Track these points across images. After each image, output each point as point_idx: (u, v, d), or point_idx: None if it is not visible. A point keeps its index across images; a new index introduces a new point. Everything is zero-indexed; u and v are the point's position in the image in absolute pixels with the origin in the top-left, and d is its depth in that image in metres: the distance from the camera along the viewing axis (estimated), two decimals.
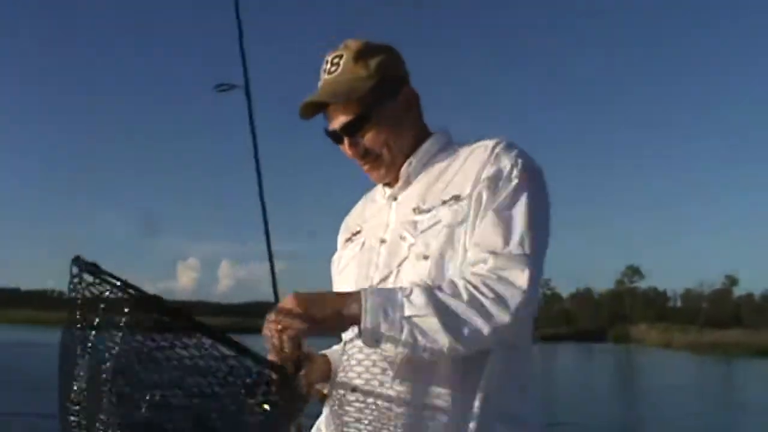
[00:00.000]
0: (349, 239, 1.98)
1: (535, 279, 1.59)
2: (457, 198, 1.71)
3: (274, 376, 1.35)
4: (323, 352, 1.90)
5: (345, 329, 1.62)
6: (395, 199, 1.86)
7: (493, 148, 1.74)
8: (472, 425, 1.64)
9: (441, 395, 1.65)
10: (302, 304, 1.50)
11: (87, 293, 1.31)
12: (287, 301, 1.52)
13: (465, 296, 1.53)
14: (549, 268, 1.87)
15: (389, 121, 1.81)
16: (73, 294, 1.33)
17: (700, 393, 26.80)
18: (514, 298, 1.55)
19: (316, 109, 1.83)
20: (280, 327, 1.47)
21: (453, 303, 1.53)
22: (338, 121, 1.80)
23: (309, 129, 1.88)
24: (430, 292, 1.54)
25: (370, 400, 1.65)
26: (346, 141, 1.82)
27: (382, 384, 1.66)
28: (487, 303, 1.53)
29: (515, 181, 1.68)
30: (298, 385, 1.40)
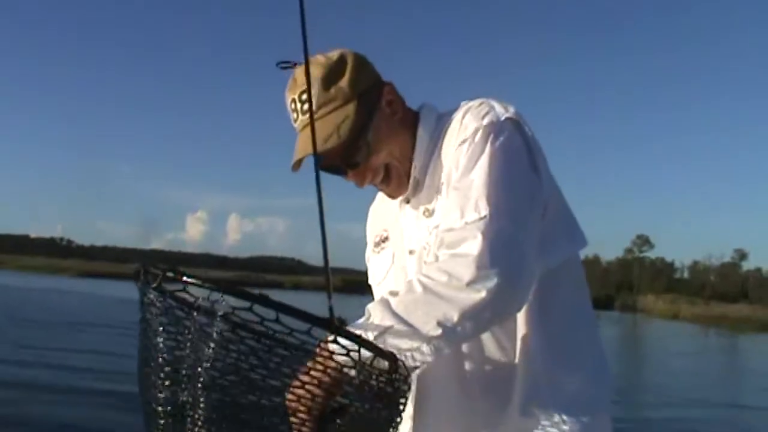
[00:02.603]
0: (377, 244, 1.89)
1: (496, 237, 1.40)
2: (439, 191, 1.63)
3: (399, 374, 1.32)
4: None
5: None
6: (408, 201, 1.76)
7: (462, 118, 1.61)
8: (515, 401, 1.58)
9: (477, 371, 1.61)
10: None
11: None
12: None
13: (419, 289, 1.39)
14: None
15: (383, 133, 1.69)
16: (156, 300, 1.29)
17: (706, 363, 26.97)
18: (468, 270, 1.36)
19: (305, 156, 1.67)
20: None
21: (409, 301, 1.39)
22: (334, 159, 1.67)
23: None
24: (385, 302, 1.40)
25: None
26: (349, 173, 1.71)
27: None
28: (440, 288, 1.38)
29: (474, 146, 1.54)
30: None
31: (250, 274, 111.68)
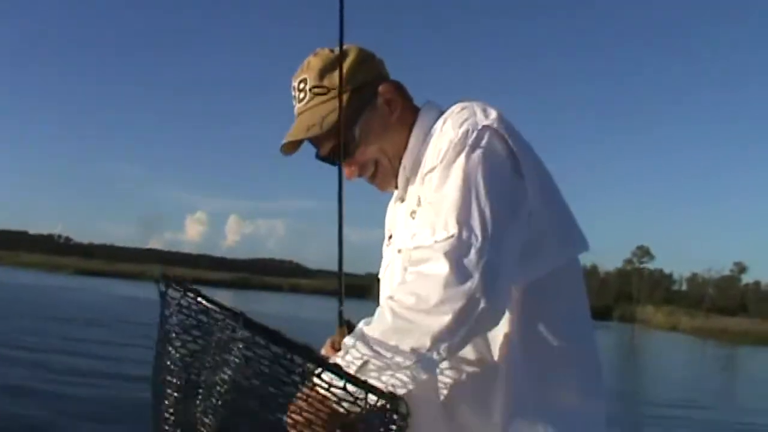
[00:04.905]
0: (389, 239, 1.85)
1: (462, 255, 1.35)
2: (419, 199, 1.62)
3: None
4: None
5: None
6: (403, 200, 1.75)
7: (443, 125, 1.58)
8: (498, 418, 1.51)
9: (459, 387, 1.55)
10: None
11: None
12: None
13: (389, 317, 1.36)
14: None
15: (375, 129, 1.71)
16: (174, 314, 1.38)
17: (704, 375, 26.92)
18: (434, 291, 1.32)
19: (299, 143, 1.73)
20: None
21: (381, 331, 1.36)
22: (324, 149, 1.72)
23: None
24: (360, 335, 1.38)
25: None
26: (339, 164, 1.71)
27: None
28: (408, 313, 1.34)
29: (447, 158, 1.50)
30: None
31: (249, 276, 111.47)
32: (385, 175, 1.74)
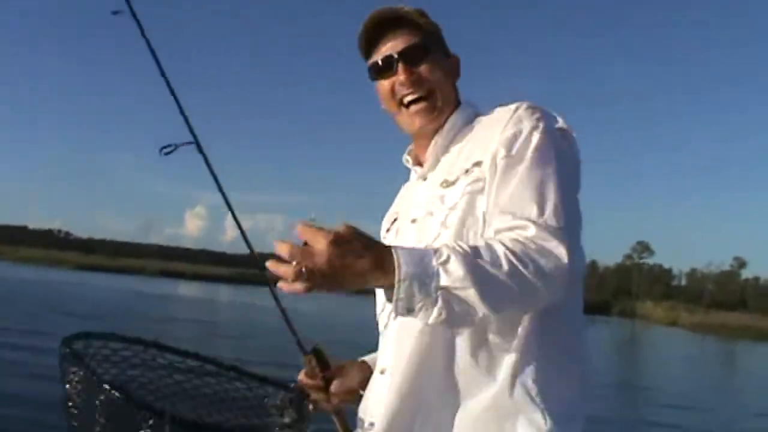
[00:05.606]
0: (388, 229, 1.97)
1: (573, 253, 1.50)
2: (478, 164, 1.67)
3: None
4: (363, 359, 2.00)
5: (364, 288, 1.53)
6: (425, 179, 1.85)
7: (515, 110, 1.69)
8: (496, 397, 1.59)
9: (465, 362, 1.62)
10: (335, 254, 1.34)
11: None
12: (319, 238, 1.34)
13: (506, 266, 1.44)
14: None
15: (443, 68, 1.84)
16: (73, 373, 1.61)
17: (706, 371, 26.96)
18: (555, 273, 1.47)
19: (371, 42, 1.83)
20: (299, 267, 1.32)
21: (493, 273, 1.43)
22: (395, 46, 1.80)
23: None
24: (469, 260, 1.42)
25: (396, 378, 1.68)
26: (401, 67, 1.80)
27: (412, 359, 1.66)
28: (529, 276, 1.45)
29: (540, 143, 1.61)
30: (305, 406, 1.72)
31: (246, 272, 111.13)
32: (430, 106, 1.82)
